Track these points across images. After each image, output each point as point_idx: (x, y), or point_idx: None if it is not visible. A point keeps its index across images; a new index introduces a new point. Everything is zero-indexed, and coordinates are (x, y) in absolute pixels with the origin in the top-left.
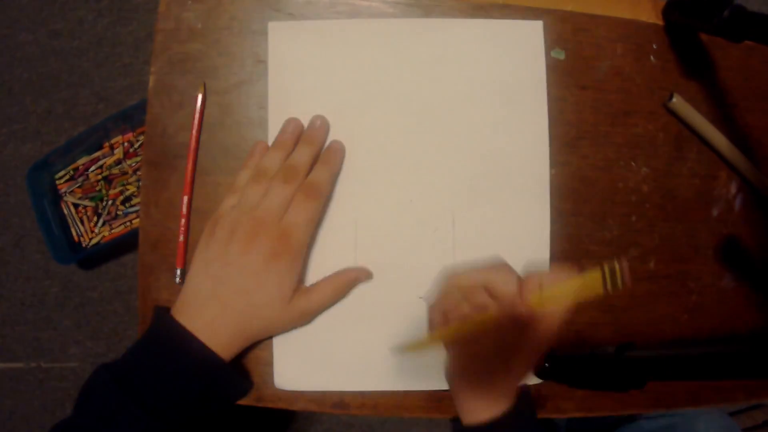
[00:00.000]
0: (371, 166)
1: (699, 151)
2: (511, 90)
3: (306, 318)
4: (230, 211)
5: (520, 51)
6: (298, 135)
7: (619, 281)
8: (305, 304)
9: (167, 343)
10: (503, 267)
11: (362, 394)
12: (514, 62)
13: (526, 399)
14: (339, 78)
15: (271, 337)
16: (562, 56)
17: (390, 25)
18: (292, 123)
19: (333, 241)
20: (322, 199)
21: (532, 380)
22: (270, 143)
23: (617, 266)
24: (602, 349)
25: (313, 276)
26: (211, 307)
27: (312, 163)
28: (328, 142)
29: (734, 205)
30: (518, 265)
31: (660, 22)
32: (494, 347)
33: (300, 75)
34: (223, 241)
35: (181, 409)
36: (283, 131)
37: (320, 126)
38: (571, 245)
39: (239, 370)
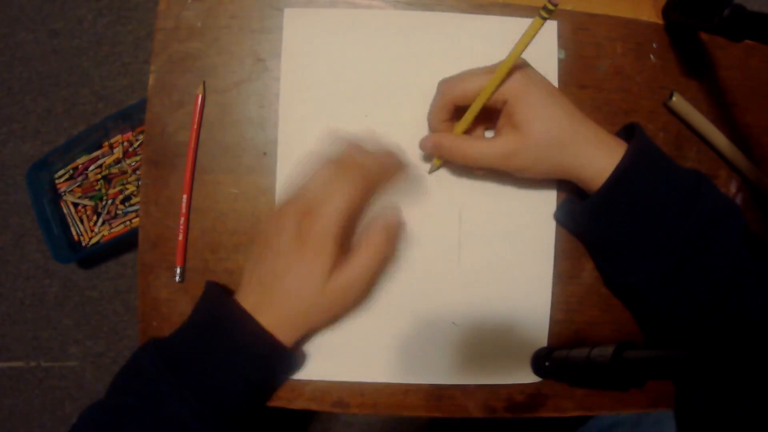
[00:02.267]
0: None
1: (699, 150)
2: None
3: (350, 296)
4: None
5: (533, 50)
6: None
7: (549, 5)
8: (344, 280)
9: (223, 324)
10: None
11: (362, 392)
12: (527, 60)
13: (639, 132)
14: (352, 67)
15: (330, 325)
16: (562, 55)
17: (407, 17)
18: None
19: None
20: (356, 172)
21: (532, 379)
22: (279, 136)
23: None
24: (602, 348)
25: None
26: (254, 290)
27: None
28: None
29: None
30: (523, 262)
31: (660, 21)
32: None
33: (313, 62)
34: (268, 223)
35: (233, 398)
36: (358, 138)
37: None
38: (571, 244)
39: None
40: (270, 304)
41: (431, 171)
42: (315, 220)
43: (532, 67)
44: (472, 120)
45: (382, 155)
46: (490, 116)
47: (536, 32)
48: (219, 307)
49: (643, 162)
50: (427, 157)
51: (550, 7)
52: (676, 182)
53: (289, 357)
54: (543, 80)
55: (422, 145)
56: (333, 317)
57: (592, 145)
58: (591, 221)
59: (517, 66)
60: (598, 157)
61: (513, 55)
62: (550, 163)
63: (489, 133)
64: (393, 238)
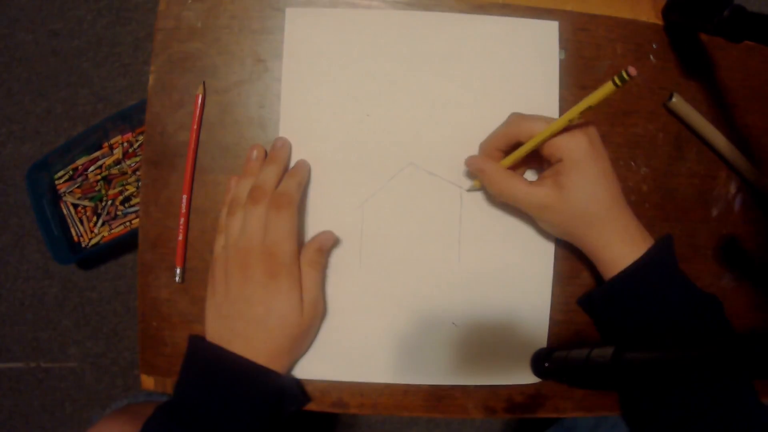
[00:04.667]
0: (380, 156)
1: (699, 151)
2: (524, 88)
3: (319, 307)
4: (221, 252)
5: (535, 50)
6: (262, 160)
7: (625, 75)
8: (310, 296)
9: (224, 372)
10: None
11: (361, 393)
12: (528, 61)
13: (664, 241)
14: (353, 67)
15: (310, 344)
16: (562, 56)
17: (408, 17)
18: (255, 149)
19: (339, 230)
20: (293, 206)
21: (532, 380)
22: (282, 135)
23: (623, 70)
24: (602, 349)
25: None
26: (236, 345)
27: (278, 181)
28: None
29: (734, 205)
30: (524, 262)
31: (660, 22)
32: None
33: (314, 62)
34: (222, 281)
35: None
36: (247, 159)
37: (282, 146)
38: (571, 244)
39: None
40: (256, 354)
41: (470, 190)
42: (278, 255)
43: (599, 139)
44: (519, 159)
45: (294, 172)
46: (539, 160)
47: (605, 96)
48: (214, 358)
49: (657, 267)
50: (471, 176)
51: (625, 76)
52: (685, 301)
53: (291, 383)
54: (603, 155)
55: (468, 163)
56: (313, 335)
57: (617, 233)
58: (599, 309)
59: (588, 133)
60: (618, 246)
61: (572, 111)
62: (574, 231)
63: (529, 174)
64: (326, 252)
